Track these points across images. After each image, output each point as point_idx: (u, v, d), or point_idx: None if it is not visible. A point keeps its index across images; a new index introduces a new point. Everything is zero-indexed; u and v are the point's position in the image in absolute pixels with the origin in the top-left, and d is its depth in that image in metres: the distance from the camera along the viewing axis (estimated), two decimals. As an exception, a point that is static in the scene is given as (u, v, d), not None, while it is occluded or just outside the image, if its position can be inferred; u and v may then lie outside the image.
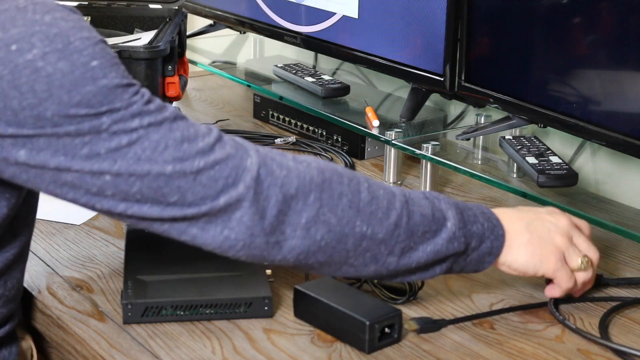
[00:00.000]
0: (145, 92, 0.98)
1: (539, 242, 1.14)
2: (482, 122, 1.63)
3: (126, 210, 0.99)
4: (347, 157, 1.72)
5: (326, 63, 2.05)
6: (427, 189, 1.56)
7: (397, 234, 1.06)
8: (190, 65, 1.85)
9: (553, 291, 1.18)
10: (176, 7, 1.82)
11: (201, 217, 1.00)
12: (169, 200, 0.98)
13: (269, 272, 1.25)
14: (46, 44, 0.92)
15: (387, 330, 1.12)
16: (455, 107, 1.77)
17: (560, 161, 1.40)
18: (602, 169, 1.55)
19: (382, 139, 1.61)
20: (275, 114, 1.90)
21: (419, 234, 1.08)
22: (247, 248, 1.02)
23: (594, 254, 1.18)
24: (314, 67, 2.03)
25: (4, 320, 1.14)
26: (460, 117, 1.75)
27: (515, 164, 1.50)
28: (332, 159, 1.72)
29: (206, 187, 0.98)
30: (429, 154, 1.54)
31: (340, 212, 1.04)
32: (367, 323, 1.10)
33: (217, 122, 1.92)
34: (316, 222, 1.02)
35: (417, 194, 1.10)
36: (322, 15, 1.79)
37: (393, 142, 1.59)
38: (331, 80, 1.83)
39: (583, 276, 1.18)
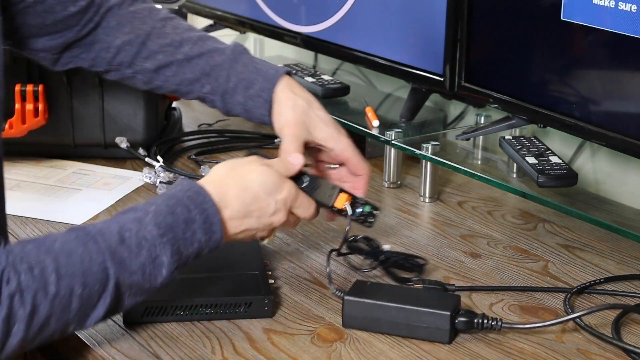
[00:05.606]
0: None
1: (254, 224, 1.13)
2: (482, 122, 1.63)
3: None
4: (347, 157, 1.72)
5: (326, 63, 2.05)
6: (427, 189, 1.56)
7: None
8: (190, 65, 1.85)
9: None
10: (176, 7, 1.82)
11: None
12: None
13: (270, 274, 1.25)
14: None
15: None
16: (455, 107, 1.77)
17: (560, 161, 1.40)
18: (602, 169, 1.55)
19: (382, 139, 1.61)
20: (275, 114, 1.89)
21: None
22: None
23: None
24: (314, 67, 2.03)
25: None
26: (460, 117, 1.75)
27: (515, 164, 1.50)
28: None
29: None
30: (428, 154, 1.54)
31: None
32: (449, 314, 1.13)
33: (217, 122, 1.91)
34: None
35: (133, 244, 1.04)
36: (322, 15, 1.79)
37: (393, 142, 1.59)
38: (331, 80, 1.83)
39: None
